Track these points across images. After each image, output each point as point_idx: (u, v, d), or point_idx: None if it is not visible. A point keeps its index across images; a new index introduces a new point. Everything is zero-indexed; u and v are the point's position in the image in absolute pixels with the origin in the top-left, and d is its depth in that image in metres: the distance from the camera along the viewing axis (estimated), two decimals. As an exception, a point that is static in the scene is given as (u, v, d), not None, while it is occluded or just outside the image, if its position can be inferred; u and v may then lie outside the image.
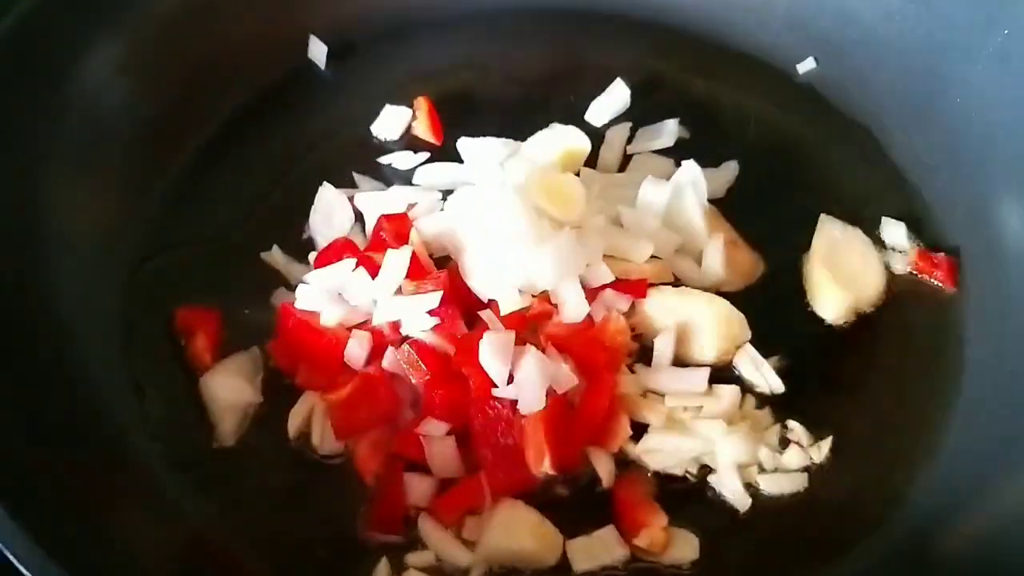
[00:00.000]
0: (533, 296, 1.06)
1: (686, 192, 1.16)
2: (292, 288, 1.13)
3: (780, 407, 1.07)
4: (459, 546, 0.97)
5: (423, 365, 1.00)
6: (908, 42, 1.29)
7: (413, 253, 1.07)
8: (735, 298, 1.11)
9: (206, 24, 1.27)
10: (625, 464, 1.02)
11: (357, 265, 1.07)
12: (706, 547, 0.97)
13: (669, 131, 1.28)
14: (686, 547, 0.97)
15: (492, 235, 1.08)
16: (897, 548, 0.97)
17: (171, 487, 1.00)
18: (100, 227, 1.14)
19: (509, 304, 1.05)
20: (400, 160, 1.27)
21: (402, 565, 0.96)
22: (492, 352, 1.00)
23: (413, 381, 1.01)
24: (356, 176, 1.25)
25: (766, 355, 1.09)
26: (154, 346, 1.10)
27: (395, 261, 1.06)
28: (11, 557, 0.81)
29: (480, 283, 1.07)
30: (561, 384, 1.00)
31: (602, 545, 0.97)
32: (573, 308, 1.05)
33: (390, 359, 1.03)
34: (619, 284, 1.08)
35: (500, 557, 0.96)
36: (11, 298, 1.01)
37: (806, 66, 1.36)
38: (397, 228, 1.12)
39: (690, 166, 1.17)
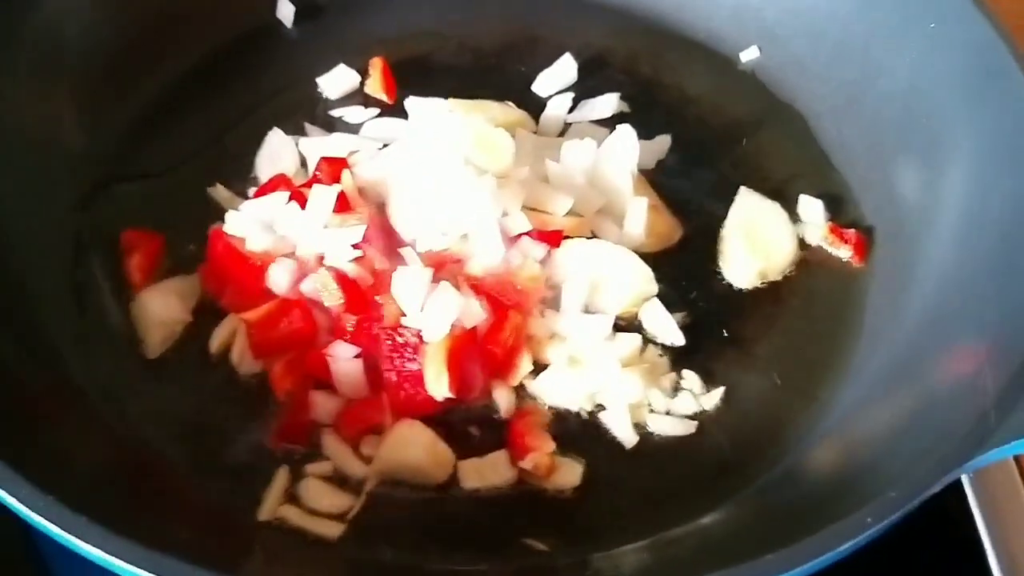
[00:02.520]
0: (453, 238, 1.12)
1: (616, 154, 1.22)
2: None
3: (679, 359, 1.12)
4: (357, 459, 1.02)
5: (339, 290, 1.06)
6: (847, 32, 1.35)
7: (342, 192, 1.13)
8: (650, 258, 1.16)
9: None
10: (526, 397, 1.08)
11: (291, 198, 1.14)
12: (590, 476, 1.03)
13: (609, 103, 1.34)
14: (570, 473, 1.02)
15: (420, 179, 1.14)
16: (769, 500, 1.02)
17: (104, 396, 1.06)
18: (56, 151, 1.20)
19: (428, 242, 1.11)
20: (351, 114, 1.34)
21: (301, 473, 1.02)
22: (406, 283, 1.06)
23: (325, 303, 1.07)
24: (307, 126, 1.31)
25: (672, 312, 1.14)
26: (98, 267, 1.16)
27: (323, 195, 1.12)
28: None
29: (403, 223, 1.13)
30: (470, 318, 1.05)
31: (491, 467, 1.02)
32: (489, 251, 1.11)
33: (308, 285, 1.09)
34: (536, 233, 1.14)
35: (393, 471, 1.01)
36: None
37: (749, 54, 1.42)
38: (333, 169, 1.18)
39: (625, 129, 1.23)
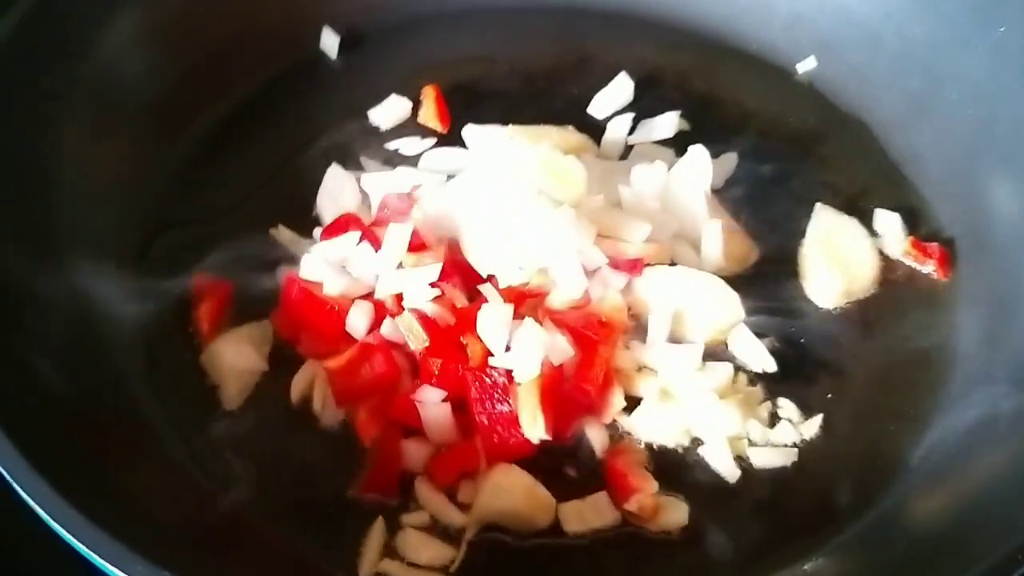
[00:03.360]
0: (532, 272, 1.09)
1: (688, 177, 1.18)
2: (297, 263, 1.15)
3: (772, 386, 1.09)
4: (454, 507, 0.99)
5: (422, 333, 1.03)
6: (905, 40, 1.33)
7: (414, 228, 1.10)
8: (730, 282, 1.13)
9: (226, 6, 1.31)
10: (619, 435, 1.05)
11: (361, 239, 1.10)
12: (695, 515, 0.99)
13: (670, 122, 1.31)
14: (675, 514, 0.99)
15: (492, 212, 1.11)
16: (879, 525, 0.99)
17: (181, 447, 1.03)
18: (114, 195, 1.18)
19: (507, 278, 1.07)
20: (407, 146, 1.31)
21: (398, 524, 0.98)
22: (490, 322, 1.02)
23: (412, 348, 1.04)
24: (364, 159, 1.28)
25: (759, 337, 1.11)
26: (167, 315, 1.12)
27: (397, 234, 1.08)
28: (38, 509, 0.83)
29: (479, 258, 1.10)
30: (557, 355, 1.02)
31: (593, 509, 0.98)
32: (570, 284, 1.08)
33: (388, 328, 1.06)
34: (616, 262, 1.10)
35: (493, 518, 0.98)
36: (30, 261, 1.04)
37: (806, 65, 1.39)
38: (400, 206, 1.15)
39: (697, 150, 1.20)
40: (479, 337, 1.03)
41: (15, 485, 0.84)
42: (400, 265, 1.09)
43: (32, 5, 1.14)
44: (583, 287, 1.07)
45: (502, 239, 1.09)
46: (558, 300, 1.08)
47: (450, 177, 1.22)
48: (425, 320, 1.05)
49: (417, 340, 1.03)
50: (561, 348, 1.02)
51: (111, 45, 1.21)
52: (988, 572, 0.82)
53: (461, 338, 1.04)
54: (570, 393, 1.02)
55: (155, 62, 1.25)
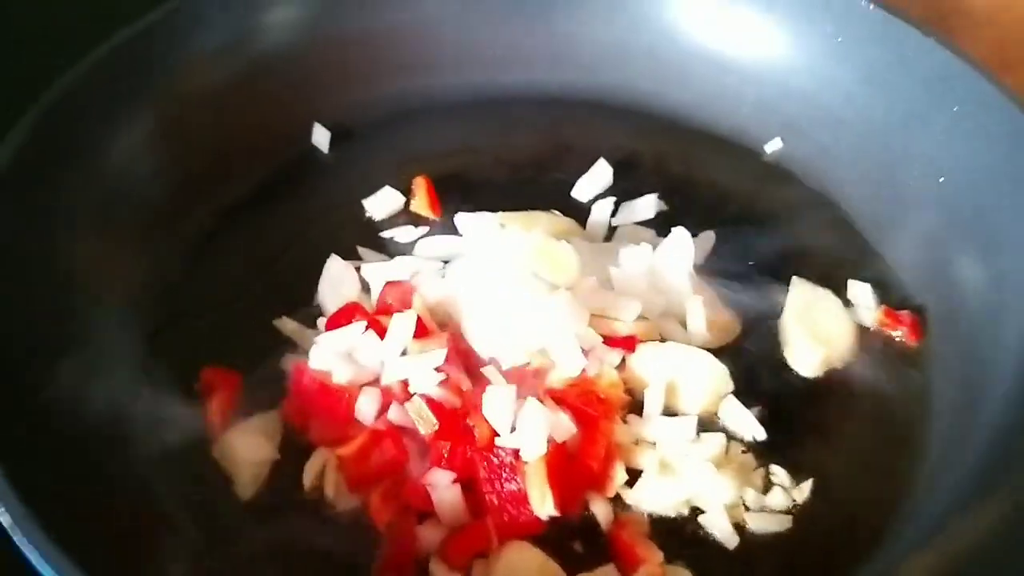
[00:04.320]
0: (531, 353, 1.14)
1: (672, 257, 1.25)
2: (301, 352, 1.20)
3: (763, 453, 1.14)
4: (469, 586, 1.02)
5: (432, 417, 1.07)
6: (866, 121, 1.41)
7: (417, 316, 1.15)
8: (716, 354, 1.19)
9: (225, 106, 1.38)
10: (622, 506, 1.09)
11: (367, 328, 1.15)
12: (698, 583, 1.04)
13: (649, 204, 1.38)
14: (681, 582, 1.03)
15: (492, 298, 1.16)
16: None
17: (196, 535, 1.05)
18: (122, 291, 1.22)
19: (510, 360, 1.13)
20: (401, 234, 1.36)
21: (415, 606, 1.02)
22: (495, 403, 1.07)
23: (422, 433, 1.08)
24: (360, 249, 1.34)
25: (747, 406, 1.17)
26: (178, 407, 1.15)
27: (402, 323, 1.13)
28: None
29: (481, 342, 1.15)
30: (561, 432, 1.07)
31: (603, 582, 1.03)
32: (569, 363, 1.13)
33: (397, 413, 1.10)
34: (610, 340, 1.16)
35: (508, 595, 1.01)
36: (44, 353, 1.08)
37: (773, 145, 1.48)
38: (401, 294, 1.20)
39: (679, 232, 1.27)
40: (485, 419, 1.07)
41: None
42: (405, 352, 1.13)
43: (45, 110, 1.20)
44: (582, 366, 1.13)
45: (502, 323, 1.15)
46: (558, 379, 1.13)
47: (446, 264, 1.27)
48: (432, 404, 1.09)
49: (427, 425, 1.08)
50: (564, 426, 1.07)
51: (120, 150, 1.26)
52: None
53: (467, 420, 1.08)
54: (575, 469, 1.07)
55: (159, 164, 1.30)
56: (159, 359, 1.19)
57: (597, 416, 1.10)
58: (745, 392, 1.18)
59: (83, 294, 1.17)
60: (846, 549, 1.07)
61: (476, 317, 1.17)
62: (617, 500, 1.10)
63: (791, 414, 1.18)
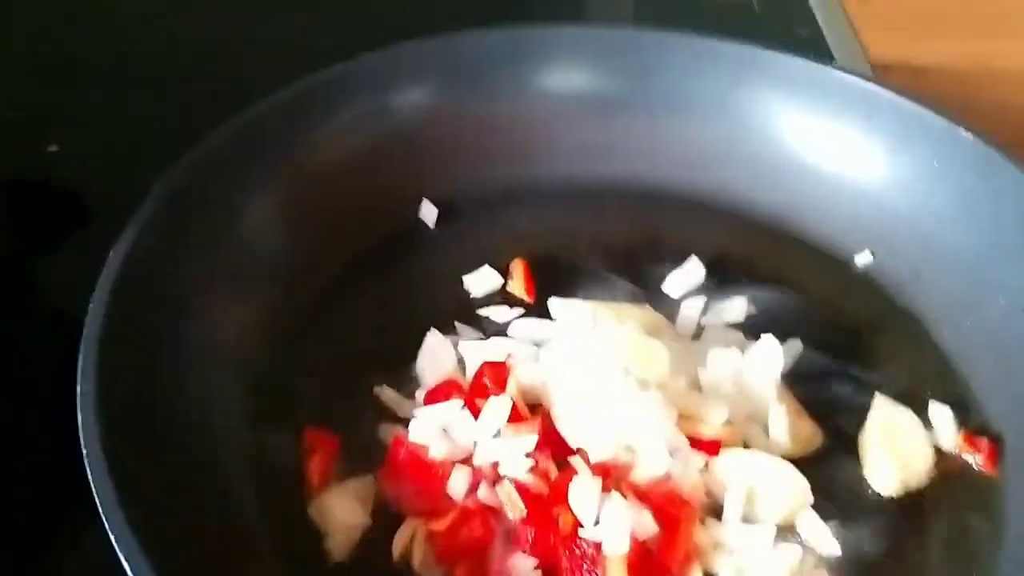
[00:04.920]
0: (619, 448, 1.19)
1: (760, 363, 1.29)
2: (398, 422, 1.26)
3: (836, 569, 1.17)
4: (546, 672, 1.07)
5: (520, 502, 1.12)
6: (957, 244, 1.45)
7: (512, 400, 1.20)
8: (796, 465, 1.23)
9: (346, 180, 1.46)
10: (697, 609, 1.13)
11: (463, 406, 1.21)
12: None
13: (740, 306, 1.43)
14: None
15: (584, 390, 1.22)
16: None
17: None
18: (236, 353, 1.29)
19: (599, 454, 1.17)
20: (497, 314, 1.42)
21: None
22: (581, 494, 1.12)
23: (510, 517, 1.13)
24: (458, 325, 1.40)
25: (824, 520, 1.20)
26: (277, 465, 1.22)
27: (497, 406, 1.19)
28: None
29: (571, 432, 1.20)
30: (643, 530, 1.11)
31: None
32: (655, 462, 1.17)
33: (487, 493, 1.15)
34: (695, 443, 1.20)
35: None
36: (166, 412, 1.15)
37: (863, 258, 1.52)
38: (497, 374, 1.25)
39: (768, 339, 1.31)
40: (570, 508, 1.12)
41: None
42: (498, 433, 1.19)
43: (178, 187, 1.29)
44: (667, 466, 1.17)
45: (592, 415, 1.20)
46: (642, 476, 1.17)
47: (539, 346, 1.33)
48: (521, 488, 1.14)
49: (515, 509, 1.12)
50: (647, 524, 1.11)
51: (243, 219, 1.35)
52: None
53: (553, 509, 1.13)
54: (654, 568, 1.11)
55: (282, 234, 1.38)
56: (264, 419, 1.26)
57: (679, 517, 1.14)
58: (821, 506, 1.21)
59: (204, 357, 1.25)
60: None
61: (567, 406, 1.21)
62: (692, 602, 1.13)
63: (866, 532, 1.21)
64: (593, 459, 1.17)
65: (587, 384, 1.22)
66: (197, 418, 1.19)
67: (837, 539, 1.18)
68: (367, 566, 1.15)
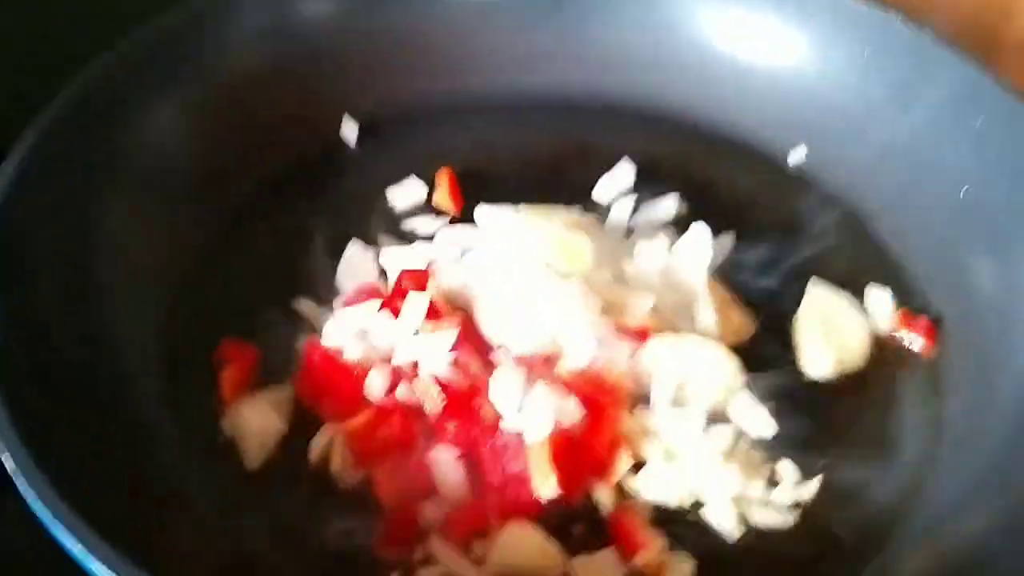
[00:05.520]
0: (542, 341, 1.15)
1: (689, 254, 1.26)
2: (318, 333, 1.21)
3: (771, 450, 1.14)
4: (468, 562, 1.02)
5: (438, 395, 1.08)
6: (890, 133, 1.41)
7: (431, 299, 1.16)
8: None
9: (257, 94, 1.41)
10: (625, 495, 1.09)
11: (381, 308, 1.17)
12: (700, 572, 1.03)
13: (669, 205, 1.39)
14: (680, 571, 1.03)
15: (505, 286, 1.18)
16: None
17: (210, 506, 1.07)
18: (150, 258, 1.25)
19: (521, 347, 1.14)
20: (422, 224, 1.38)
21: (414, 577, 1.02)
22: (503, 385, 1.08)
23: (428, 410, 1.09)
24: (381, 236, 1.35)
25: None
26: (192, 380, 1.18)
27: (416, 303, 1.15)
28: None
29: (493, 329, 1.16)
30: (567, 416, 1.07)
31: (602, 565, 1.02)
32: (579, 352, 1.14)
33: (406, 392, 1.11)
34: (622, 332, 1.16)
35: (506, 572, 1.01)
36: (67, 316, 1.11)
37: (797, 154, 1.48)
38: (418, 280, 1.21)
39: (699, 227, 1.27)
40: (492, 400, 1.08)
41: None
42: (417, 333, 1.15)
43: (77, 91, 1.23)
44: (592, 355, 1.13)
45: (514, 310, 1.16)
46: (567, 367, 1.14)
47: (464, 253, 1.29)
48: (441, 385, 1.10)
49: (434, 403, 1.08)
50: (571, 410, 1.08)
51: (151, 126, 1.30)
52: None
53: (475, 401, 1.09)
54: (579, 454, 1.07)
55: (190, 146, 1.33)
56: (177, 330, 1.21)
57: (605, 404, 1.10)
58: (756, 389, 1.18)
59: (113, 263, 1.20)
60: (850, 547, 1.07)
61: (489, 304, 1.17)
62: (621, 490, 1.10)
63: (801, 415, 1.17)
64: (515, 353, 1.13)
65: (510, 281, 1.18)
66: (105, 338, 1.15)
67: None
68: (283, 471, 1.11)
